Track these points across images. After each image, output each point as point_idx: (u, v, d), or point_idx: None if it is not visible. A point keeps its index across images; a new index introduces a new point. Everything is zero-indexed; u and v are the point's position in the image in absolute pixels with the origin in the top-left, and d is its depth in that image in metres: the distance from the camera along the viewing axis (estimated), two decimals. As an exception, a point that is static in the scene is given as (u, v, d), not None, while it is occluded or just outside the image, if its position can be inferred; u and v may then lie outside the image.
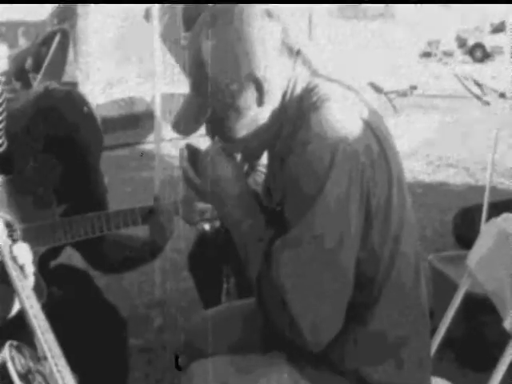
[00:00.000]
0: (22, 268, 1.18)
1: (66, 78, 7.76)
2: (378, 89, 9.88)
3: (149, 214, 1.75)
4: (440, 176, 5.65)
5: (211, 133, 1.40)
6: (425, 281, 1.44)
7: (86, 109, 1.72)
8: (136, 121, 6.66)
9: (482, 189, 3.47)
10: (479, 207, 3.37)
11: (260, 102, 1.31)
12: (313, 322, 1.23)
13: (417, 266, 1.39)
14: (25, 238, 1.64)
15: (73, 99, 1.72)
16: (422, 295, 1.41)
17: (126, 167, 6.20)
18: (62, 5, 7.84)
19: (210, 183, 1.38)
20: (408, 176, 5.63)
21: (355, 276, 1.27)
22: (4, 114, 0.91)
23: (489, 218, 3.08)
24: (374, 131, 1.28)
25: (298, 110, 1.30)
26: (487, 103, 9.45)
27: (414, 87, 10.85)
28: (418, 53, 10.93)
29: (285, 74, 1.32)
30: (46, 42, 7.79)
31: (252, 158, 1.54)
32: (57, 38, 7.74)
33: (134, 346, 2.66)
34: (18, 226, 1.66)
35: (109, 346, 1.80)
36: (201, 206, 1.71)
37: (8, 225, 1.64)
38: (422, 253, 1.49)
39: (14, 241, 1.60)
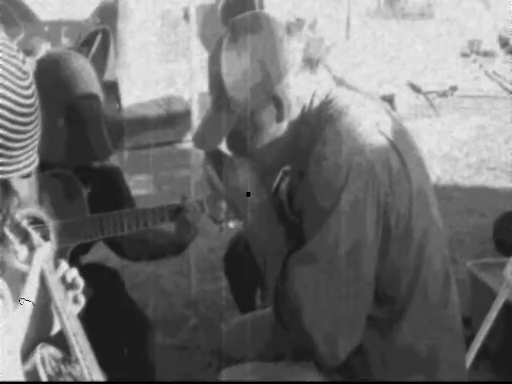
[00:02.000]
0: (74, 290, 1.19)
1: (106, 77, 7.87)
2: (416, 89, 9.76)
3: (176, 212, 1.79)
4: (480, 179, 5.55)
5: (231, 148, 1.41)
6: (457, 289, 1.41)
7: (77, 63, 1.74)
8: (174, 119, 6.70)
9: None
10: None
11: (280, 118, 1.31)
12: (328, 335, 1.22)
13: (446, 276, 1.36)
14: (56, 234, 1.69)
15: (62, 58, 1.75)
16: (451, 305, 1.38)
17: (163, 166, 6.25)
18: (103, 5, 7.94)
19: (231, 192, 1.39)
20: (447, 179, 5.57)
21: (376, 292, 1.26)
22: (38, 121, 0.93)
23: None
24: (393, 143, 1.26)
25: (316, 123, 1.30)
26: None
27: (454, 88, 10.67)
28: (458, 53, 10.75)
29: (305, 89, 1.32)
30: (88, 41, 7.92)
31: (272, 171, 1.53)
32: (98, 38, 7.85)
33: (170, 345, 2.69)
34: (49, 223, 1.70)
35: (133, 346, 1.84)
36: (226, 204, 1.74)
37: (39, 221, 1.68)
38: (460, 259, 1.47)
39: (45, 237, 1.64)
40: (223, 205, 1.75)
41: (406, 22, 10.23)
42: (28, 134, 0.91)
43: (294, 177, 1.41)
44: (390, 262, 1.26)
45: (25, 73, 0.91)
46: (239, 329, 1.64)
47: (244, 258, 2.29)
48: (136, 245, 1.91)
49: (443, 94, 10.41)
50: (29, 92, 0.91)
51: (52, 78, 1.69)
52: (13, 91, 0.87)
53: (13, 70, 0.88)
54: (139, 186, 5.55)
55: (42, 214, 1.70)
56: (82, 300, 1.21)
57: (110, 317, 1.81)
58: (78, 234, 1.74)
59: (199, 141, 1.41)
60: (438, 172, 5.73)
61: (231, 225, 1.77)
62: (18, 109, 0.88)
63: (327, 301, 1.22)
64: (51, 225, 1.70)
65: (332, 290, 1.22)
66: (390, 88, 9.40)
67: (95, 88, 1.75)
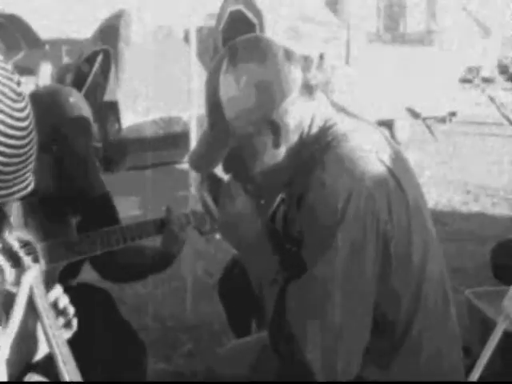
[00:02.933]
0: (64, 317, 1.18)
1: (107, 97, 7.89)
2: (415, 114, 9.81)
3: (162, 225, 1.80)
4: (478, 206, 5.54)
5: (228, 171, 1.39)
6: (455, 316, 1.41)
7: (71, 100, 1.75)
8: (173, 140, 6.71)
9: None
10: (518, 240, 3.28)
11: (277, 144, 1.30)
12: (326, 366, 1.21)
13: (445, 295, 1.36)
14: (44, 256, 1.67)
15: (57, 93, 1.77)
16: (451, 326, 1.39)
17: (162, 186, 6.24)
18: (105, 25, 7.99)
19: (226, 217, 1.37)
20: (446, 205, 5.55)
21: (375, 320, 1.25)
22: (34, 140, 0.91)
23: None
24: (392, 171, 1.26)
25: (315, 149, 1.29)
26: None
27: (453, 113, 10.73)
28: (457, 79, 10.82)
29: (303, 115, 1.31)
30: (89, 61, 7.96)
31: (269, 197, 1.52)
32: (99, 58, 7.89)
33: (164, 370, 2.65)
34: (37, 245, 1.68)
35: (126, 370, 1.82)
36: None
37: (27, 244, 1.67)
38: (459, 286, 1.47)
39: (35, 260, 1.62)
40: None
41: (405, 47, 10.30)
42: (22, 158, 0.89)
43: (291, 204, 1.39)
44: (390, 288, 1.25)
45: (19, 94, 0.89)
46: (231, 353, 1.63)
47: (239, 283, 2.27)
48: (121, 265, 1.90)
49: (442, 120, 10.46)
50: (23, 114, 0.89)
51: (47, 112, 1.70)
52: (6, 113, 0.86)
53: (6, 91, 0.87)
54: (136, 206, 5.54)
55: (29, 236, 1.69)
56: (74, 326, 1.20)
57: (103, 339, 1.79)
58: (66, 254, 1.72)
59: (195, 163, 1.41)
60: (436, 197, 5.73)
61: (217, 236, 1.76)
62: (11, 131, 0.86)
63: (325, 331, 1.21)
64: (39, 246, 1.69)
65: (330, 320, 1.21)
66: (389, 113, 9.45)
67: (89, 125, 1.77)
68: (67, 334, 1.18)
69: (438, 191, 5.97)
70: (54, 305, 1.16)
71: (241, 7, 10.97)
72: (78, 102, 1.78)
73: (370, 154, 1.26)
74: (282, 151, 1.32)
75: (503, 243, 3.47)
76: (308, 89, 1.31)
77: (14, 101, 0.87)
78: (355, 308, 1.22)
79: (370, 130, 1.37)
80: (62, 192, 1.77)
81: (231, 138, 1.30)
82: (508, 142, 9.14)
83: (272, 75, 1.26)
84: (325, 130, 1.31)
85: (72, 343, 1.14)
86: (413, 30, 11.63)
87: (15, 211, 1.65)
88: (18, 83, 0.90)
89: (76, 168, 1.77)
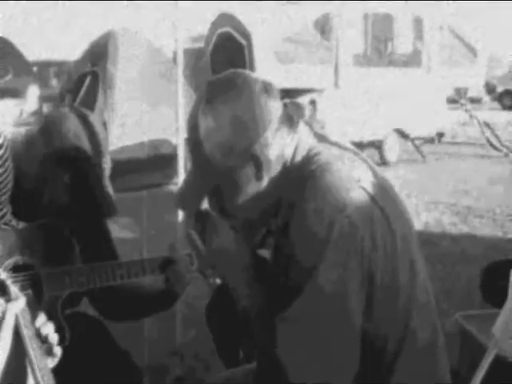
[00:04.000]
0: (47, 345, 1.16)
1: (94, 119, 7.90)
2: (404, 135, 9.87)
3: (166, 264, 1.79)
4: (467, 227, 5.55)
5: (213, 207, 1.40)
6: (445, 341, 1.40)
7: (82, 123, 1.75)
8: (161, 162, 6.70)
9: (511, 241, 3.38)
10: (508, 262, 3.27)
11: (258, 176, 1.31)
12: None
13: (433, 326, 1.36)
14: (47, 282, 1.67)
15: (67, 118, 1.76)
16: (439, 359, 1.37)
17: (150, 209, 6.22)
18: (93, 47, 8.01)
19: (212, 252, 1.38)
20: (434, 226, 5.56)
21: (363, 349, 1.25)
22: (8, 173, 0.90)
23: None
24: (375, 198, 1.26)
25: (298, 179, 1.29)
26: (506, 155, 9.39)
27: (441, 134, 10.80)
28: (445, 100, 10.92)
29: (285, 145, 1.31)
30: (77, 82, 7.96)
31: (255, 228, 1.52)
32: (87, 80, 7.90)
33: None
34: (40, 270, 1.67)
35: None
36: None
37: (30, 267, 1.65)
38: (448, 309, 1.47)
39: (35, 284, 1.60)
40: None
41: (393, 69, 10.39)
42: None
43: (277, 233, 1.38)
44: (376, 317, 1.25)
45: None
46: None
47: (226, 311, 2.25)
48: (122, 303, 1.88)
49: (430, 141, 10.53)
50: None
51: (57, 137, 1.70)
52: None
53: None
54: (125, 228, 5.51)
55: (31, 261, 1.68)
56: (57, 354, 1.18)
57: (98, 365, 1.77)
58: (70, 283, 1.71)
59: (181, 202, 1.42)
60: (425, 218, 5.75)
61: (218, 281, 1.75)
62: None
63: (313, 362, 1.20)
64: (42, 272, 1.67)
65: (317, 351, 1.20)
66: (378, 134, 9.49)
67: (97, 146, 1.76)
68: (51, 363, 1.17)
69: (427, 212, 5.99)
70: (39, 333, 1.15)
71: (229, 29, 11.04)
72: (88, 125, 1.77)
73: (353, 182, 1.26)
74: (264, 183, 1.32)
75: (492, 265, 3.46)
76: (288, 120, 1.31)
77: None
78: (342, 337, 1.22)
79: (353, 159, 1.36)
80: (79, 219, 1.77)
81: (213, 174, 1.31)
82: (496, 163, 9.22)
83: (249, 110, 1.27)
84: (308, 159, 1.31)
85: (65, 371, 1.15)
86: (400, 52, 11.72)
87: (12, 237, 1.64)
88: None
89: (92, 190, 1.77)
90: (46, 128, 1.72)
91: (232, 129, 1.27)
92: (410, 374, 1.30)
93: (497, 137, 10.33)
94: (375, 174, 1.35)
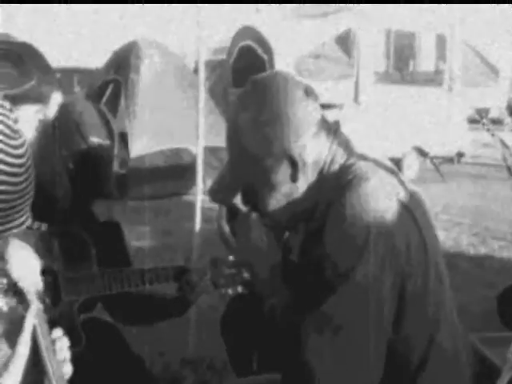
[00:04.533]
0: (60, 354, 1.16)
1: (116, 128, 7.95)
2: (423, 153, 9.82)
3: (180, 273, 1.82)
4: (486, 249, 5.50)
5: (246, 203, 1.42)
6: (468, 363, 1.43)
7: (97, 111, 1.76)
8: (182, 171, 6.72)
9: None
10: (526, 286, 3.23)
11: (294, 178, 1.32)
12: None
13: (455, 352, 1.37)
14: (65, 286, 1.69)
15: (79, 100, 1.78)
16: (463, 372, 1.40)
17: (168, 217, 6.24)
18: (117, 55, 8.08)
19: (243, 248, 1.40)
20: (452, 247, 5.50)
21: (389, 358, 1.25)
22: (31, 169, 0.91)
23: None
24: (412, 214, 1.27)
25: (335, 187, 1.30)
26: None
27: (461, 154, 10.73)
28: (466, 119, 10.87)
29: (322, 151, 1.33)
30: (100, 90, 8.03)
31: (284, 230, 1.54)
32: (109, 88, 7.96)
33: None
34: (60, 274, 1.69)
35: None
36: (228, 271, 1.74)
37: (49, 271, 1.67)
38: (466, 332, 1.46)
39: (53, 288, 1.60)
40: (225, 270, 1.76)
41: (414, 87, 10.37)
42: (19, 194, 0.89)
43: (308, 237, 1.40)
44: (405, 329, 1.26)
45: (16, 132, 0.89)
46: None
47: (242, 321, 2.24)
48: (141, 307, 1.90)
49: (450, 160, 10.46)
50: (20, 151, 0.89)
51: (64, 123, 1.71)
52: (3, 151, 0.85)
53: (2, 127, 0.86)
54: (142, 237, 5.52)
55: (53, 264, 1.70)
56: (69, 370, 1.18)
57: (113, 371, 1.78)
58: (86, 288, 1.74)
59: (214, 194, 1.43)
60: (443, 238, 5.69)
61: (230, 291, 1.77)
62: (8, 169, 0.86)
63: (339, 370, 1.21)
64: (61, 276, 1.68)
65: (344, 358, 1.21)
66: (397, 151, 9.46)
67: (108, 127, 1.77)
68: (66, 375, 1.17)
69: (445, 232, 5.94)
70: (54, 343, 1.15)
71: (251, 43, 11.10)
72: (92, 110, 1.78)
73: (391, 195, 1.27)
74: (300, 186, 1.33)
75: (509, 288, 3.42)
76: (327, 127, 1.33)
77: (12, 138, 0.87)
78: (370, 346, 1.22)
79: (389, 172, 1.37)
80: (78, 199, 1.77)
81: (249, 171, 1.32)
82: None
83: (290, 110, 1.28)
84: (346, 168, 1.32)
85: (80, 376, 1.15)
86: (422, 70, 11.70)
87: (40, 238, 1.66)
88: (15, 121, 0.89)
89: (95, 172, 1.78)
90: (60, 114, 1.73)
91: (271, 127, 1.28)
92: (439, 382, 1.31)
93: None
94: (411, 191, 1.36)
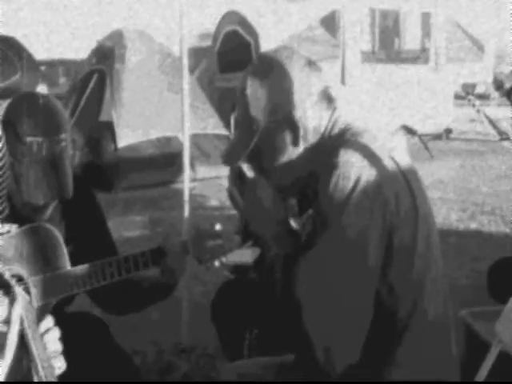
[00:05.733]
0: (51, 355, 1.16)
1: (102, 117, 7.90)
2: (411, 131, 9.83)
3: (159, 256, 1.74)
4: (475, 224, 5.53)
5: (253, 164, 1.52)
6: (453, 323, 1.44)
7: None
8: (171, 160, 6.71)
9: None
10: (514, 259, 3.26)
11: (295, 142, 1.41)
12: (326, 341, 1.26)
13: (444, 309, 1.40)
14: (37, 290, 1.67)
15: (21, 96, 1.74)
16: (449, 338, 1.42)
17: (158, 206, 6.24)
18: (100, 45, 8.03)
19: (251, 206, 1.50)
20: (442, 223, 5.53)
21: (375, 310, 1.29)
22: (5, 175, 0.91)
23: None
24: (402, 171, 1.34)
25: (332, 147, 1.36)
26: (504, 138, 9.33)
27: (449, 130, 10.76)
28: (453, 96, 10.87)
29: (323, 118, 1.42)
30: (84, 80, 7.97)
31: (287, 194, 1.59)
32: (94, 78, 7.91)
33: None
34: (29, 279, 1.67)
35: None
36: (211, 243, 1.70)
37: (20, 278, 1.66)
38: (454, 306, 1.48)
39: (28, 294, 1.59)
40: (208, 244, 1.72)
41: (400, 66, 10.36)
42: None
43: (305, 201, 1.47)
44: (391, 280, 1.30)
45: None
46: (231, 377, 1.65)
47: (231, 306, 2.26)
48: (118, 296, 1.87)
49: (438, 137, 10.49)
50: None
51: (17, 118, 1.67)
52: None
53: None
54: (133, 227, 5.52)
55: (22, 271, 1.67)
56: (63, 365, 1.17)
57: (97, 366, 1.77)
58: (60, 288, 1.70)
59: (225, 158, 1.51)
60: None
61: (216, 263, 1.74)
62: None
63: (329, 307, 1.26)
64: (31, 281, 1.67)
65: (334, 297, 1.26)
66: (385, 130, 9.45)
67: (59, 126, 1.72)
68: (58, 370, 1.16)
69: (435, 208, 5.96)
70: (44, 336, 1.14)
71: (236, 27, 11.04)
72: (50, 105, 1.74)
73: (384, 150, 1.35)
74: (301, 150, 1.42)
75: (499, 263, 3.45)
76: (328, 97, 1.42)
77: None
78: (358, 289, 1.27)
79: (386, 133, 1.46)
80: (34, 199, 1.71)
81: (255, 134, 1.41)
82: (504, 159, 9.16)
83: (293, 80, 1.39)
84: (345, 131, 1.40)
85: (66, 372, 1.13)
86: (407, 48, 11.69)
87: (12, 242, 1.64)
88: None
89: (48, 170, 1.69)
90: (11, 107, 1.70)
91: (276, 94, 1.40)
92: (418, 347, 1.34)
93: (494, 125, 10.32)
94: (407, 156, 1.44)
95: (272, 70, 1.41)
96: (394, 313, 1.32)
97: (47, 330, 1.16)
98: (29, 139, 1.65)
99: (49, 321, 1.17)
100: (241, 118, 1.46)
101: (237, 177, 1.59)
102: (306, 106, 1.39)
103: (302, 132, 1.40)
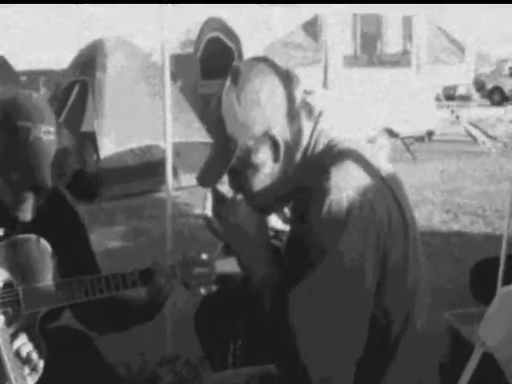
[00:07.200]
0: (29, 364, 1.15)
1: (84, 128, 7.87)
2: (393, 134, 9.88)
3: (147, 276, 1.77)
4: (457, 225, 5.56)
5: (232, 186, 1.46)
6: (435, 338, 1.44)
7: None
8: (154, 168, 6.69)
9: (500, 238, 3.38)
10: (496, 260, 3.28)
11: (276, 158, 1.36)
12: (324, 372, 1.24)
13: (428, 328, 1.39)
14: (25, 299, 1.66)
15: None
16: (434, 346, 1.43)
17: (142, 216, 6.22)
18: (82, 55, 7.99)
19: (230, 230, 1.44)
20: (425, 225, 5.55)
21: (370, 333, 1.28)
22: None
23: (507, 271, 3.00)
24: (391, 189, 1.33)
25: (318, 165, 1.34)
26: (484, 144, 9.41)
27: (431, 133, 10.83)
28: (434, 98, 10.95)
29: (303, 133, 1.38)
30: (66, 91, 7.93)
31: (270, 211, 1.57)
32: (76, 88, 7.88)
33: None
34: (18, 287, 1.66)
35: None
36: (198, 269, 1.72)
37: (9, 285, 1.65)
38: (438, 308, 1.50)
39: (13, 301, 1.59)
40: (196, 270, 1.73)
41: (382, 69, 10.42)
42: None
43: (296, 215, 1.44)
44: (382, 305, 1.29)
45: None
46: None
47: (216, 316, 2.25)
48: (105, 316, 1.87)
49: (420, 139, 10.55)
50: None
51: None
52: None
53: None
54: (117, 237, 5.49)
55: (10, 278, 1.67)
56: (40, 369, 1.18)
57: (82, 380, 1.76)
58: (48, 299, 1.70)
59: (201, 179, 1.46)
60: (415, 217, 5.73)
61: (202, 291, 1.75)
62: None
63: (325, 337, 1.23)
64: (20, 289, 1.66)
65: (330, 327, 1.23)
66: (368, 134, 9.50)
67: (49, 119, 1.73)
68: (33, 380, 1.16)
69: (418, 210, 5.99)
70: (18, 353, 1.14)
71: (218, 34, 11.05)
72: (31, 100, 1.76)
73: (374, 171, 1.32)
74: (283, 166, 1.38)
75: (481, 263, 3.48)
76: (308, 109, 1.39)
77: None
78: (353, 317, 1.25)
79: (371, 150, 1.42)
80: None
81: (232, 154, 1.36)
82: (484, 160, 9.23)
83: (271, 94, 1.34)
84: (330, 148, 1.37)
85: None
86: (389, 52, 11.76)
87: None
88: None
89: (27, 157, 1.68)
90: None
91: (252, 109, 1.34)
92: (408, 358, 1.34)
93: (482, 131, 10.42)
94: (389, 167, 1.42)
95: (246, 85, 1.34)
96: (388, 331, 1.31)
97: (23, 345, 1.16)
98: (20, 124, 1.67)
99: (22, 337, 1.17)
100: (216, 137, 1.40)
101: (215, 201, 1.51)
102: (285, 119, 1.35)
103: (282, 147, 1.35)
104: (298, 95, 1.37)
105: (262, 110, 1.33)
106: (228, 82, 1.36)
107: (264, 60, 1.40)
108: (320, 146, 1.38)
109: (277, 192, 1.40)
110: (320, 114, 1.41)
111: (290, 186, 1.39)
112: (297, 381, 1.28)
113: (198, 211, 6.32)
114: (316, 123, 1.39)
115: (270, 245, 1.43)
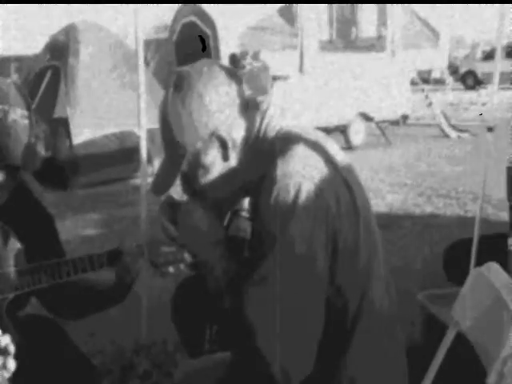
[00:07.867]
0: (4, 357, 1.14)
1: (56, 114, 7.77)
2: (368, 118, 9.93)
3: (115, 257, 1.77)
4: (431, 207, 5.61)
5: (185, 190, 1.48)
6: (408, 319, 1.45)
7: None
8: (128, 155, 6.63)
9: (473, 220, 3.42)
10: (470, 241, 3.31)
11: (225, 157, 1.39)
12: (283, 360, 1.24)
13: (390, 304, 1.42)
14: None
15: None
16: (397, 329, 1.44)
17: (117, 203, 6.17)
18: (54, 40, 7.87)
19: (186, 233, 1.47)
20: (399, 207, 5.59)
21: (327, 315, 1.29)
22: None
23: (479, 252, 3.04)
24: (342, 174, 1.34)
25: (268, 154, 1.36)
26: (447, 136, 9.57)
27: (405, 117, 10.89)
28: (409, 82, 11.01)
29: (250, 128, 1.40)
30: (38, 77, 7.82)
31: (227, 206, 1.59)
32: (48, 75, 7.76)
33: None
34: None
35: None
36: (165, 249, 1.72)
37: None
38: (411, 289, 1.51)
39: None
40: (163, 249, 1.73)
41: (358, 54, 10.43)
42: None
43: (252, 210, 1.46)
44: (336, 285, 1.30)
45: None
46: (193, 377, 1.66)
47: (192, 302, 2.24)
48: (76, 297, 1.86)
49: (395, 123, 10.61)
50: None
51: None
52: None
53: None
54: (92, 225, 5.45)
55: None
56: (12, 366, 1.17)
57: (55, 369, 1.75)
58: (14, 285, 1.69)
59: (154, 188, 1.48)
60: (389, 200, 5.79)
61: (171, 269, 1.74)
62: None
63: (281, 325, 1.24)
64: None
65: (285, 314, 1.24)
66: (343, 118, 9.54)
67: (25, 103, 1.72)
68: (6, 375, 1.16)
69: (392, 194, 6.04)
70: None
71: (193, 19, 10.95)
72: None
73: (322, 154, 1.34)
74: (233, 163, 1.40)
75: (455, 244, 3.51)
76: (254, 105, 1.41)
77: None
78: (308, 302, 1.26)
79: (322, 137, 1.44)
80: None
81: (182, 159, 1.39)
82: (459, 143, 9.33)
83: (213, 95, 1.36)
84: (278, 138, 1.39)
85: (21, 375, 1.12)
86: (364, 36, 11.77)
87: None
88: None
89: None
90: None
91: (197, 114, 1.36)
92: (368, 337, 1.35)
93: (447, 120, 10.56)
94: (341, 154, 1.43)
95: (193, 87, 1.36)
96: (345, 311, 1.33)
97: None
98: None
99: None
100: (165, 143, 1.43)
101: (170, 208, 1.53)
102: (230, 118, 1.37)
103: (230, 145, 1.37)
104: (241, 91, 1.40)
105: (207, 111, 1.36)
106: (172, 89, 1.38)
107: (205, 63, 1.42)
108: (268, 138, 1.40)
109: (230, 187, 1.43)
110: (268, 105, 1.46)
111: (243, 181, 1.41)
112: (254, 367, 1.29)
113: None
114: (263, 117, 1.42)
115: (224, 242, 1.45)
